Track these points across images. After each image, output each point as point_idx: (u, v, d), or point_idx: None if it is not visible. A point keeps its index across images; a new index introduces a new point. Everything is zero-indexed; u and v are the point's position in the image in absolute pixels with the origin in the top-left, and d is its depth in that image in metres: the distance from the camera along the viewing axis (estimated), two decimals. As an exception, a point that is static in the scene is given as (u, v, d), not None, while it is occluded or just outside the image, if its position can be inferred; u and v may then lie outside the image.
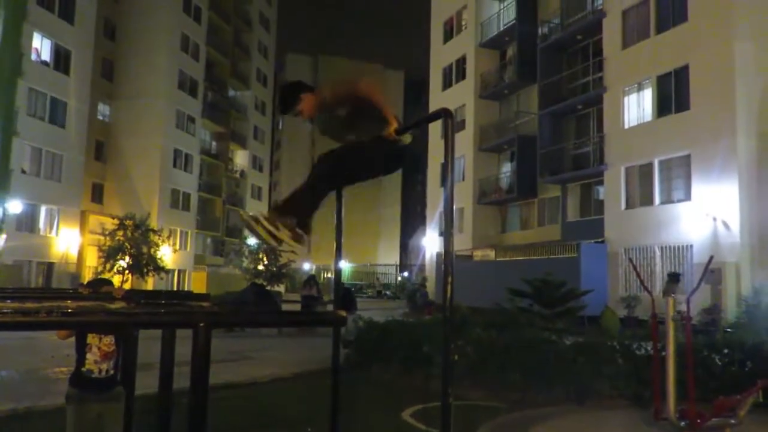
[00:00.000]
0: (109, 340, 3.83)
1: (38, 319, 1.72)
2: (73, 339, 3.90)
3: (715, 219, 18.68)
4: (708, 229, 18.85)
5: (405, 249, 73.48)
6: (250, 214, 3.13)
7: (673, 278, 15.28)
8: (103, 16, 38.88)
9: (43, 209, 30.87)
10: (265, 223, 3.02)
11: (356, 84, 3.17)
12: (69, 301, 2.45)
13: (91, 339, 3.80)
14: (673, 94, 20.74)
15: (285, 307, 22.17)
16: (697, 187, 19.43)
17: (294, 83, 3.41)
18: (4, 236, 23.94)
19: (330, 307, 19.78)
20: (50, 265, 31.45)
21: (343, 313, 1.93)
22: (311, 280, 21.67)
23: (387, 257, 70.70)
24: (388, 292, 52.95)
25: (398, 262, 68.43)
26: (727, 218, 18.44)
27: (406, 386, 8.77)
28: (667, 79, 21.03)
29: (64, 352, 7.84)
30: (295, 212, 3.08)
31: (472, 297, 20.16)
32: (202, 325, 1.73)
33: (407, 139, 3.24)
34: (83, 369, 3.82)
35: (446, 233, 2.67)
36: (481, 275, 24.64)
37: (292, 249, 3.21)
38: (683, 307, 6.83)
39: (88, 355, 3.81)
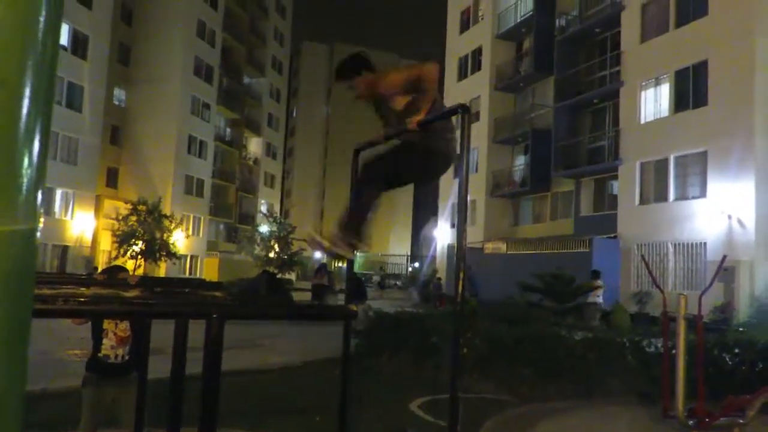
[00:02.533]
0: (124, 326, 3.89)
1: (55, 307, 1.75)
2: (88, 324, 3.96)
3: (730, 217, 18.51)
4: (722, 227, 18.69)
5: (416, 239, 73.48)
6: (312, 236, 3.24)
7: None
8: (120, 1, 39.04)
9: (58, 192, 31.17)
10: (327, 244, 3.15)
11: (422, 69, 3.12)
12: (84, 288, 2.49)
13: (107, 325, 3.86)
14: (690, 90, 20.51)
15: (295, 295, 22.24)
16: (713, 184, 19.25)
17: (361, 57, 3.33)
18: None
19: (341, 296, 19.85)
20: (65, 248, 31.80)
21: (354, 308, 1.95)
22: (322, 268, 21.72)
23: (398, 247, 70.75)
24: (398, 282, 52.89)
25: (410, 253, 68.43)
26: (742, 216, 18.26)
27: (414, 377, 8.81)
28: (685, 74, 20.80)
29: (78, 335, 7.95)
30: (351, 227, 3.15)
31: (482, 290, 20.13)
32: (215, 316, 1.76)
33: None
34: (100, 354, 3.88)
35: (459, 229, 2.67)
36: (492, 268, 24.61)
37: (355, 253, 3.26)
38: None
39: (105, 341, 3.87)
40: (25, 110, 0.71)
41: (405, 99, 3.19)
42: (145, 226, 31.77)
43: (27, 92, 0.71)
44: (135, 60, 41.70)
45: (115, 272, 4.18)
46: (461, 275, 2.64)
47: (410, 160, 3.21)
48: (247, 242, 42.42)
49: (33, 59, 0.71)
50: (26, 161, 0.72)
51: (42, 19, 0.73)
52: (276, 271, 33.16)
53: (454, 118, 3.18)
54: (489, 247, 28.28)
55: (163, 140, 40.52)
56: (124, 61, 41.02)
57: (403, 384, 8.45)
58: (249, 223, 48.89)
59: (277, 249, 40.28)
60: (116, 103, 40.43)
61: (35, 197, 0.76)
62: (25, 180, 0.72)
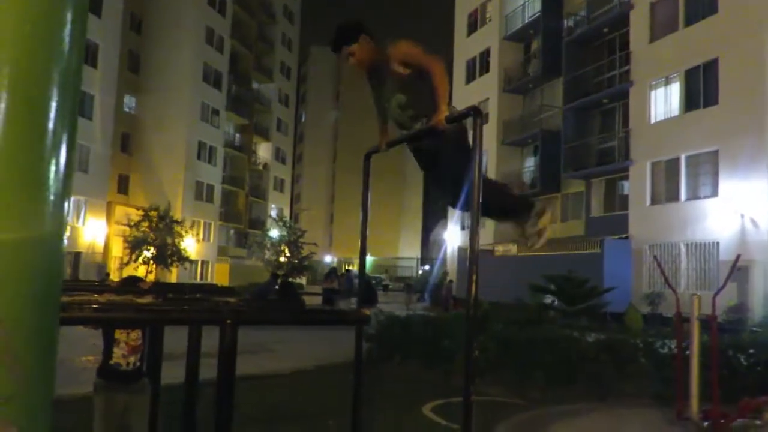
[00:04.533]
0: (136, 335, 3.91)
1: (70, 314, 1.76)
2: (100, 329, 3.98)
3: (743, 216, 18.35)
4: (735, 227, 18.53)
5: (426, 242, 73.39)
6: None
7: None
8: (130, 9, 39.34)
9: (71, 200, 31.36)
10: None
11: (433, 61, 3.02)
12: (97, 295, 2.51)
13: (119, 334, 3.88)
14: (701, 89, 20.38)
15: (306, 299, 22.33)
16: (725, 184, 19.10)
17: (358, 21, 3.22)
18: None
19: (351, 299, 19.90)
20: (77, 255, 32.02)
21: (367, 312, 1.95)
22: (332, 273, 21.79)
23: (408, 250, 70.67)
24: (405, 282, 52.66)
25: (419, 256, 68.33)
26: (755, 215, 18.10)
27: (427, 381, 8.79)
28: (695, 73, 20.67)
29: (90, 342, 7.99)
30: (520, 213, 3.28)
31: (493, 292, 20.03)
32: (228, 322, 1.77)
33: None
34: (111, 362, 3.91)
35: (472, 231, 2.67)
36: (502, 270, 24.53)
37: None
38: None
39: (116, 349, 3.89)
40: (51, 125, 0.73)
41: (406, 70, 3.06)
42: (157, 232, 31.95)
43: (53, 108, 0.74)
44: (145, 68, 42.01)
45: (132, 283, 4.20)
46: (474, 278, 2.63)
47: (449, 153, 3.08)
48: (258, 247, 42.55)
49: (58, 77, 0.73)
50: (53, 171, 0.75)
51: (66, 38, 0.76)
52: (287, 276, 33.20)
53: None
54: (499, 249, 28.19)
55: (173, 147, 40.76)
56: (134, 69, 41.33)
57: (416, 387, 8.43)
58: (259, 228, 49.03)
59: (287, 253, 40.36)
60: (126, 110, 40.72)
61: (62, 205, 0.79)
62: (51, 188, 0.75)
